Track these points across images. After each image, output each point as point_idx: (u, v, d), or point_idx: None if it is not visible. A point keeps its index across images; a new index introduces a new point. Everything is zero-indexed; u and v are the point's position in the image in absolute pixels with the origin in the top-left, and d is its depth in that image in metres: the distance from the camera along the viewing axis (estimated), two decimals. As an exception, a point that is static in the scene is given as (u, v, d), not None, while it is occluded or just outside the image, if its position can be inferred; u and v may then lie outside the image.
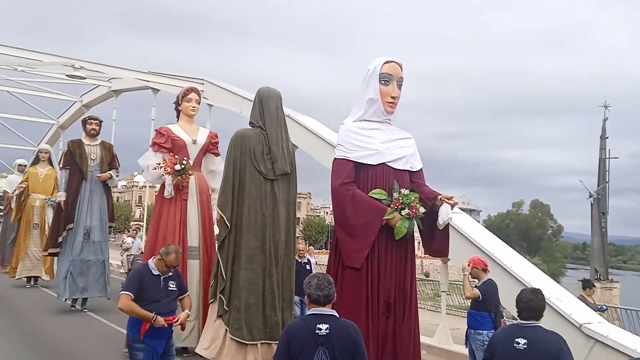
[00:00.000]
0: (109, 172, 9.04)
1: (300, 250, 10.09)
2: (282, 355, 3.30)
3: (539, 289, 3.93)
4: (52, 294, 10.06)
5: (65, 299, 8.98)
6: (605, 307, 9.72)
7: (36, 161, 11.97)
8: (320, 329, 3.26)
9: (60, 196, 9.04)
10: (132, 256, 10.34)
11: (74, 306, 9.07)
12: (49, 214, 11.26)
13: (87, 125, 9.33)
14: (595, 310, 9.13)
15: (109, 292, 8.92)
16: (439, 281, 11.69)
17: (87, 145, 9.16)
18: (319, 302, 3.40)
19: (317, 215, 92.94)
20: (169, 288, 5.05)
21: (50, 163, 11.92)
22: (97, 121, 9.44)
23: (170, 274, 5.09)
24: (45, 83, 18.10)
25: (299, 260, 9.62)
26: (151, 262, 5.11)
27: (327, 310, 3.40)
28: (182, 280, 5.55)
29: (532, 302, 3.77)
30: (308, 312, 3.44)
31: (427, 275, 47.52)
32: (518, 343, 3.64)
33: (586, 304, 9.03)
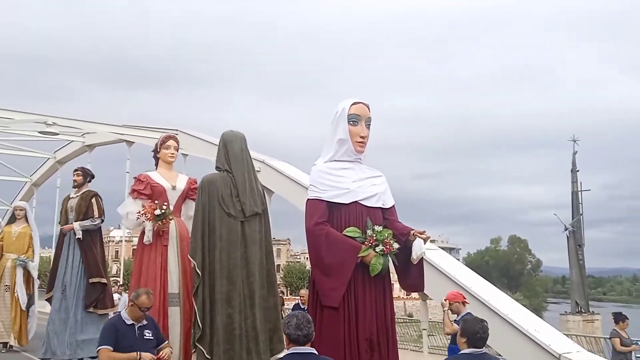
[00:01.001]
0: (72, 223, 8.72)
1: (302, 296, 10.30)
2: None
3: (482, 318, 4.18)
4: (31, 357, 9.65)
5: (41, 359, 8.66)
6: None
7: (12, 219, 11.28)
8: None
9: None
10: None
11: None
12: (19, 275, 10.65)
13: (73, 178, 9.23)
14: (629, 345, 9.10)
15: (68, 354, 8.42)
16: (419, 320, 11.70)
17: (71, 198, 9.04)
18: (299, 342, 3.44)
19: (297, 261, 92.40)
20: (145, 337, 5.01)
21: (27, 220, 11.27)
22: (78, 172, 9.24)
23: (145, 322, 5.06)
24: (18, 141, 18.04)
25: (302, 307, 9.72)
26: (123, 313, 5.10)
27: (307, 348, 3.43)
28: (159, 330, 5.49)
29: (486, 333, 3.99)
30: (287, 352, 3.46)
31: (410, 316, 47.21)
32: None
33: (620, 338, 9.02)
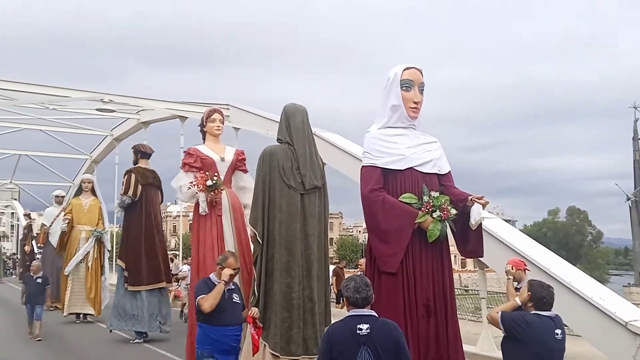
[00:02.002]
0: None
1: (360, 265, 10.48)
2: (324, 358, 3.32)
3: (547, 284, 4.24)
4: (103, 327, 10.11)
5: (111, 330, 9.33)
6: None
7: (79, 192, 11.75)
8: (361, 329, 3.30)
9: None
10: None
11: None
12: (86, 245, 11.10)
13: None
14: None
15: (114, 325, 9.14)
16: (477, 292, 11.52)
17: None
18: (357, 305, 3.45)
19: (350, 235, 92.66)
20: (233, 300, 5.05)
21: (94, 193, 11.70)
22: (134, 150, 9.65)
23: (232, 286, 5.10)
24: (77, 120, 18.57)
25: None
26: (212, 276, 5.13)
27: (366, 310, 3.44)
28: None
29: (552, 298, 4.12)
30: (348, 314, 3.46)
31: (465, 287, 46.78)
32: (557, 334, 3.99)
33: None
